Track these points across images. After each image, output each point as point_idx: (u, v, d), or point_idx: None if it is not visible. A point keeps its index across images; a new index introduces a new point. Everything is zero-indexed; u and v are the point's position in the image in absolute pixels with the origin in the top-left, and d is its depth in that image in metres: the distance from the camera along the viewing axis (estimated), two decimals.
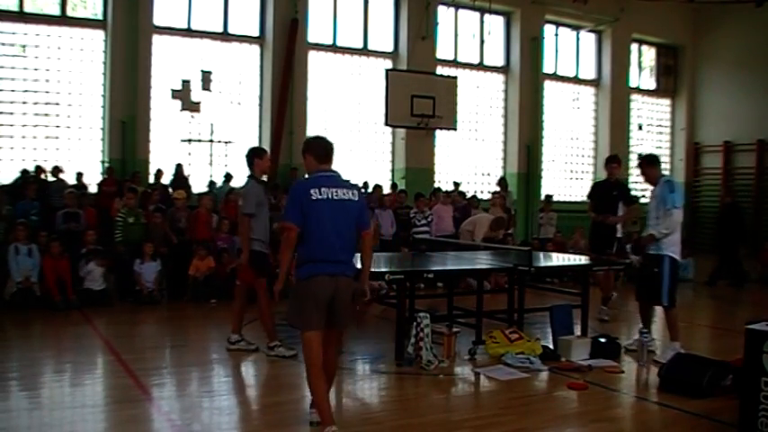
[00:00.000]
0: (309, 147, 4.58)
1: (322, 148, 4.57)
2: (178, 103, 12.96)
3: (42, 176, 11.58)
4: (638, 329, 6.64)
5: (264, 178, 7.28)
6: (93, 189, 12.00)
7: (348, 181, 4.62)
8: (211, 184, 13.02)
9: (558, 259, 9.35)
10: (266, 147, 13.79)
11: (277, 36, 14.11)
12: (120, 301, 9.56)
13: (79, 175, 11.99)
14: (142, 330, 8.37)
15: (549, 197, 15.05)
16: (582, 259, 8.87)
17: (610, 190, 8.98)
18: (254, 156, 6.84)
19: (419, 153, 15.59)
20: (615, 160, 9.20)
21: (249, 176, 6.87)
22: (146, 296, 9.53)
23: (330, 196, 4.39)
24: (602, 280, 9.31)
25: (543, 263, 8.38)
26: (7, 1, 12.18)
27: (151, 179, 12.55)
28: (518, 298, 7.40)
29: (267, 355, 6.60)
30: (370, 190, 13.24)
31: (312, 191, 4.38)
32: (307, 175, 4.62)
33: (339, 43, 15.22)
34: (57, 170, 11.70)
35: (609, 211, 8.87)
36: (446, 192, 13.40)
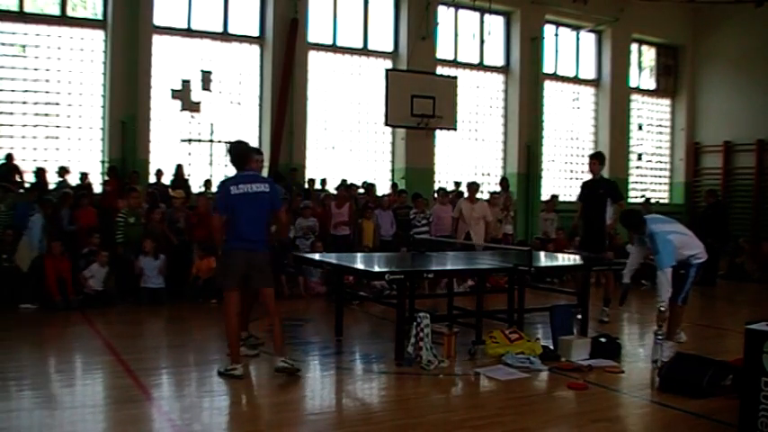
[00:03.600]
0: (230, 156, 6.11)
1: (236, 158, 6.02)
2: (178, 103, 12.95)
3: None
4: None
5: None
6: (93, 189, 11.98)
7: (263, 177, 6.11)
8: (207, 183, 12.99)
9: (558, 259, 9.35)
10: (266, 147, 13.86)
11: (277, 36, 14.11)
12: (121, 301, 9.56)
13: (83, 175, 12.00)
14: (142, 330, 8.37)
15: (553, 197, 15.08)
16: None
17: (596, 188, 9.00)
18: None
19: (419, 153, 15.58)
20: (596, 157, 9.19)
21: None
22: (151, 293, 9.51)
23: (246, 190, 5.81)
24: (608, 280, 9.30)
25: (543, 263, 8.38)
26: (7, 1, 12.17)
27: (152, 179, 12.56)
28: (518, 298, 7.40)
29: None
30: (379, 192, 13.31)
31: (232, 188, 5.84)
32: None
33: (339, 43, 15.22)
34: (63, 171, 11.70)
35: (597, 211, 8.88)
36: (445, 192, 13.40)
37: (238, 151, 6.03)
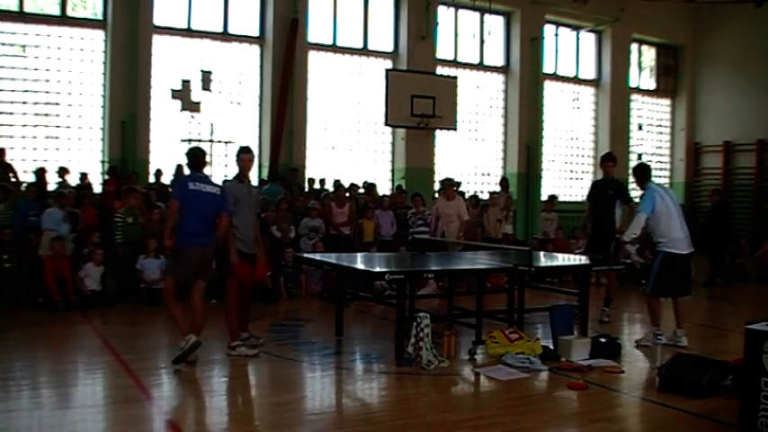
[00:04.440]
0: (187, 159, 6.66)
1: (193, 160, 6.59)
2: (178, 103, 12.95)
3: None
4: (653, 332, 6.64)
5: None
6: (93, 189, 11.98)
7: (213, 181, 6.70)
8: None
9: (559, 259, 9.34)
10: (266, 147, 13.87)
11: (277, 36, 14.11)
12: (121, 301, 9.55)
13: (83, 175, 12.00)
14: (142, 330, 8.37)
15: (552, 197, 15.08)
16: (582, 259, 8.86)
17: (605, 189, 8.97)
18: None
19: (419, 153, 15.58)
20: (610, 158, 9.15)
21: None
22: (151, 293, 9.53)
23: (200, 189, 6.37)
24: (609, 281, 9.26)
25: (543, 263, 8.37)
26: (7, 1, 12.18)
27: (152, 179, 12.55)
28: (518, 298, 7.39)
29: (228, 354, 6.60)
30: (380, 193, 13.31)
31: (189, 183, 6.43)
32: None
33: (339, 43, 15.22)
34: (63, 171, 11.70)
35: (606, 211, 8.86)
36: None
37: (195, 155, 6.63)
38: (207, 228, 6.39)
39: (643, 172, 7.72)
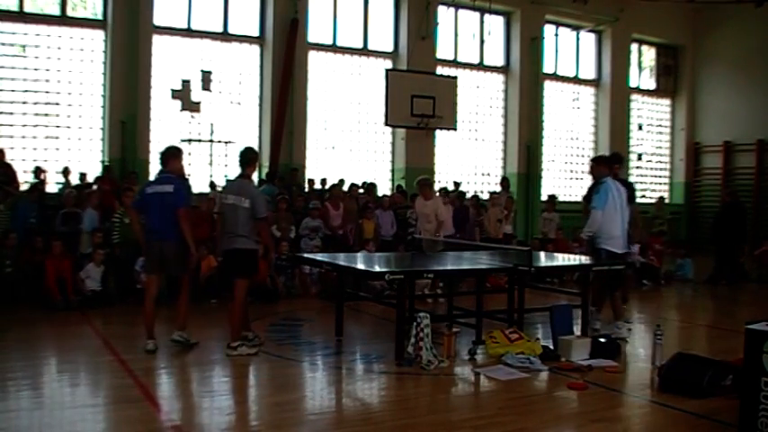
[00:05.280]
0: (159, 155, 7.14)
1: (161, 158, 7.07)
2: (178, 103, 12.96)
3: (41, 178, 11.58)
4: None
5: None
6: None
7: (173, 178, 6.98)
8: (212, 184, 13.00)
9: (558, 259, 9.33)
10: (266, 147, 13.87)
11: (277, 36, 14.12)
12: (121, 302, 9.55)
13: (83, 175, 11.99)
14: (142, 330, 8.34)
15: (552, 197, 15.07)
16: (582, 259, 8.85)
17: None
18: (252, 157, 7.00)
19: (419, 153, 15.59)
20: (619, 160, 8.87)
21: (245, 176, 6.91)
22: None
23: (156, 191, 6.84)
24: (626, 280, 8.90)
25: (543, 263, 8.36)
26: (7, 1, 12.18)
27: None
28: (518, 298, 7.39)
29: (228, 355, 6.60)
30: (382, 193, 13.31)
31: (147, 188, 7.01)
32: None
33: (339, 43, 15.23)
34: (67, 171, 11.70)
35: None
36: (446, 191, 13.39)
37: (163, 153, 7.11)
38: (165, 224, 6.80)
39: (611, 160, 8.11)
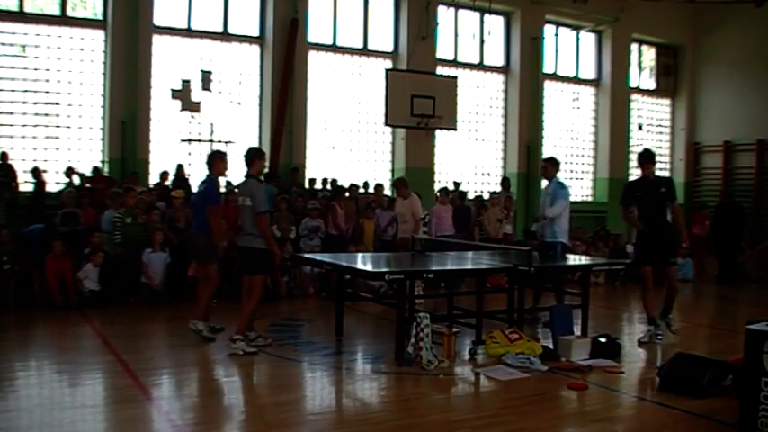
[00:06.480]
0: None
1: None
2: (178, 103, 12.95)
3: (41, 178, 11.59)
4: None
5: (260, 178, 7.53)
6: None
7: (207, 179, 7.52)
8: (229, 184, 12.94)
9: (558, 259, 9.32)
10: (266, 147, 13.85)
11: (277, 36, 14.11)
12: (121, 301, 9.55)
13: (81, 175, 11.98)
14: (142, 330, 8.36)
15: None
16: (582, 259, 8.86)
17: (656, 187, 7.86)
18: (255, 156, 7.05)
19: (419, 153, 15.58)
20: (652, 159, 8.04)
21: (249, 176, 6.95)
22: (152, 291, 9.50)
23: (197, 192, 7.77)
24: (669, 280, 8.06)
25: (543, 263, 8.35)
26: (7, 1, 12.18)
27: (155, 179, 12.54)
28: (518, 298, 7.39)
29: (227, 345, 6.76)
30: (371, 190, 13.29)
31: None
32: None
33: (339, 43, 15.22)
34: (70, 171, 11.68)
35: (658, 212, 7.87)
36: (446, 191, 13.39)
37: (245, 156, 7.22)
38: (195, 221, 7.78)
39: (556, 163, 9.11)
